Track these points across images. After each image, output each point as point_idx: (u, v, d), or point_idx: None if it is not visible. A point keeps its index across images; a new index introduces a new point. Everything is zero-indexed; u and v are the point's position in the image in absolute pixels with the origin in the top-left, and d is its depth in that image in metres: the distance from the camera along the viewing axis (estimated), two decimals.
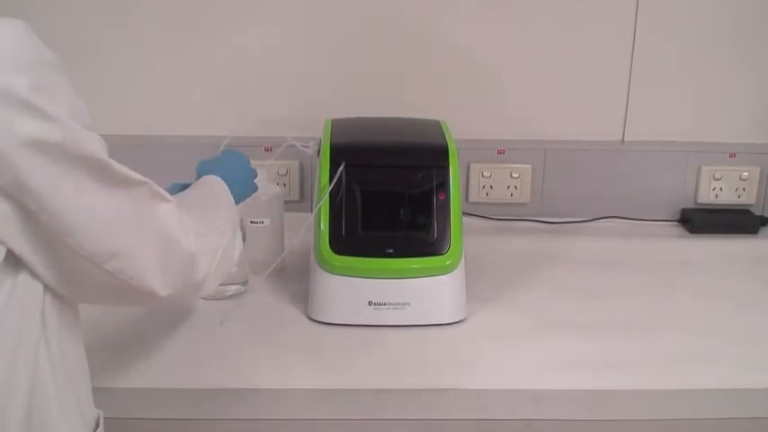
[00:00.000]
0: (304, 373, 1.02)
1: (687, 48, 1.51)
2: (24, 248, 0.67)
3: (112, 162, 0.71)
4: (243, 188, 1.08)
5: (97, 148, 0.69)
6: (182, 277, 0.81)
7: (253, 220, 1.20)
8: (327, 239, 1.12)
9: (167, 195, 0.79)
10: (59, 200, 0.67)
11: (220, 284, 1.15)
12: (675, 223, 1.56)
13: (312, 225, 1.16)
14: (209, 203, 0.97)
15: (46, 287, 0.71)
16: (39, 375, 0.70)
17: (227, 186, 1.01)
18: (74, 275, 0.72)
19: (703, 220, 1.53)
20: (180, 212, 0.80)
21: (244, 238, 1.17)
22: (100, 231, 0.71)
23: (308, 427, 0.98)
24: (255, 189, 1.13)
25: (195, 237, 0.82)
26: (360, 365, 1.04)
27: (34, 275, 0.69)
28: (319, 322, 1.14)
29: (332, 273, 1.12)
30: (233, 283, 1.20)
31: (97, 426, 0.81)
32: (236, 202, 1.03)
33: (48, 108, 0.64)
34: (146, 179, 0.75)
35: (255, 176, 1.12)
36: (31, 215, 0.66)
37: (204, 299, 1.18)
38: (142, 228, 0.75)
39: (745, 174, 1.54)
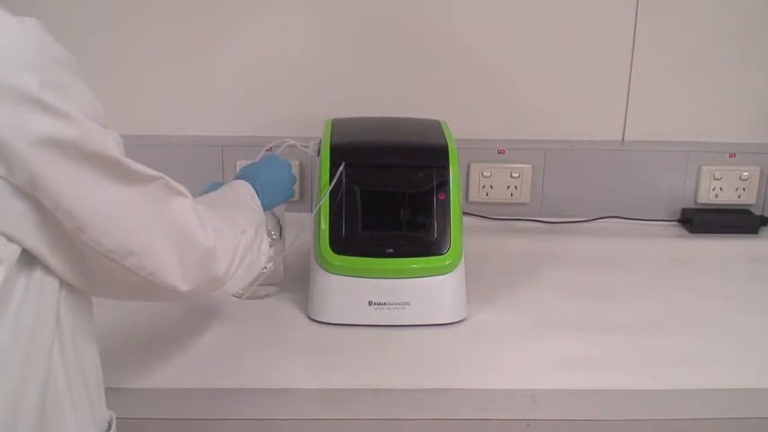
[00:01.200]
0: (304, 373, 1.02)
1: (687, 48, 1.51)
2: (43, 247, 0.67)
3: (126, 159, 0.71)
4: (277, 193, 1.11)
5: (111, 145, 0.69)
6: (201, 272, 0.81)
7: None
8: (327, 239, 1.12)
9: (183, 190, 0.79)
10: (74, 197, 0.67)
11: (260, 285, 1.16)
12: (675, 223, 1.56)
13: (312, 225, 1.16)
14: (231, 203, 0.99)
15: (61, 285, 0.71)
16: (52, 373, 0.70)
17: (254, 191, 1.04)
18: (95, 272, 0.72)
19: (703, 220, 1.53)
20: (197, 207, 0.81)
21: (281, 235, 1.20)
22: (116, 228, 0.71)
23: (308, 427, 0.98)
24: (292, 195, 1.16)
25: (213, 231, 0.82)
26: (360, 365, 1.04)
27: (49, 273, 0.69)
28: (319, 322, 1.14)
29: (332, 273, 1.12)
30: (268, 284, 1.20)
31: (109, 428, 0.81)
32: (268, 207, 1.06)
33: (61, 106, 0.64)
34: (161, 174, 0.75)
35: (294, 182, 1.16)
36: (48, 213, 0.66)
37: (238, 297, 1.19)
38: (158, 224, 0.75)
39: (746, 174, 1.54)
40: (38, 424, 0.70)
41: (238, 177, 1.08)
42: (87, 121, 0.66)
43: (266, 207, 1.05)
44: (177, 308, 1.16)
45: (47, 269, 0.69)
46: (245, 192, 1.03)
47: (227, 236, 0.87)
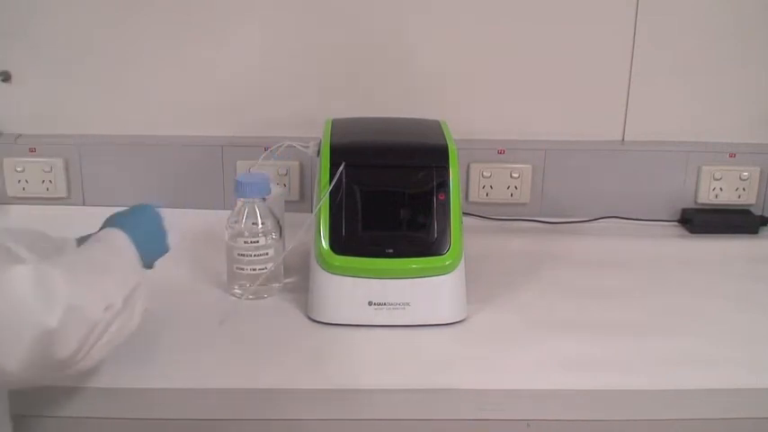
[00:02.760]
0: (304, 373, 1.02)
1: (687, 48, 1.51)
2: None
3: None
4: (153, 247, 0.99)
5: None
6: (37, 354, 0.70)
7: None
8: (327, 239, 1.12)
9: (22, 256, 0.72)
10: None
11: (260, 285, 1.17)
12: (675, 223, 1.56)
13: (312, 225, 1.16)
14: (108, 267, 0.86)
15: None
16: None
17: (131, 242, 0.91)
18: None
19: (703, 220, 1.53)
20: (45, 278, 0.71)
21: (281, 235, 1.20)
22: None
23: (308, 427, 0.98)
24: (167, 249, 1.03)
25: (64, 310, 0.72)
26: (360, 365, 1.04)
27: None
28: (319, 322, 1.14)
29: (332, 273, 1.12)
30: (268, 284, 1.20)
31: None
32: (145, 264, 0.94)
33: None
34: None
35: (166, 235, 1.02)
36: None
37: (237, 297, 1.19)
38: None
39: (746, 174, 1.54)
40: None
41: (110, 225, 0.94)
42: None
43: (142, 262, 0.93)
44: (177, 308, 1.16)
45: None
46: (125, 248, 0.90)
47: (81, 315, 0.75)
